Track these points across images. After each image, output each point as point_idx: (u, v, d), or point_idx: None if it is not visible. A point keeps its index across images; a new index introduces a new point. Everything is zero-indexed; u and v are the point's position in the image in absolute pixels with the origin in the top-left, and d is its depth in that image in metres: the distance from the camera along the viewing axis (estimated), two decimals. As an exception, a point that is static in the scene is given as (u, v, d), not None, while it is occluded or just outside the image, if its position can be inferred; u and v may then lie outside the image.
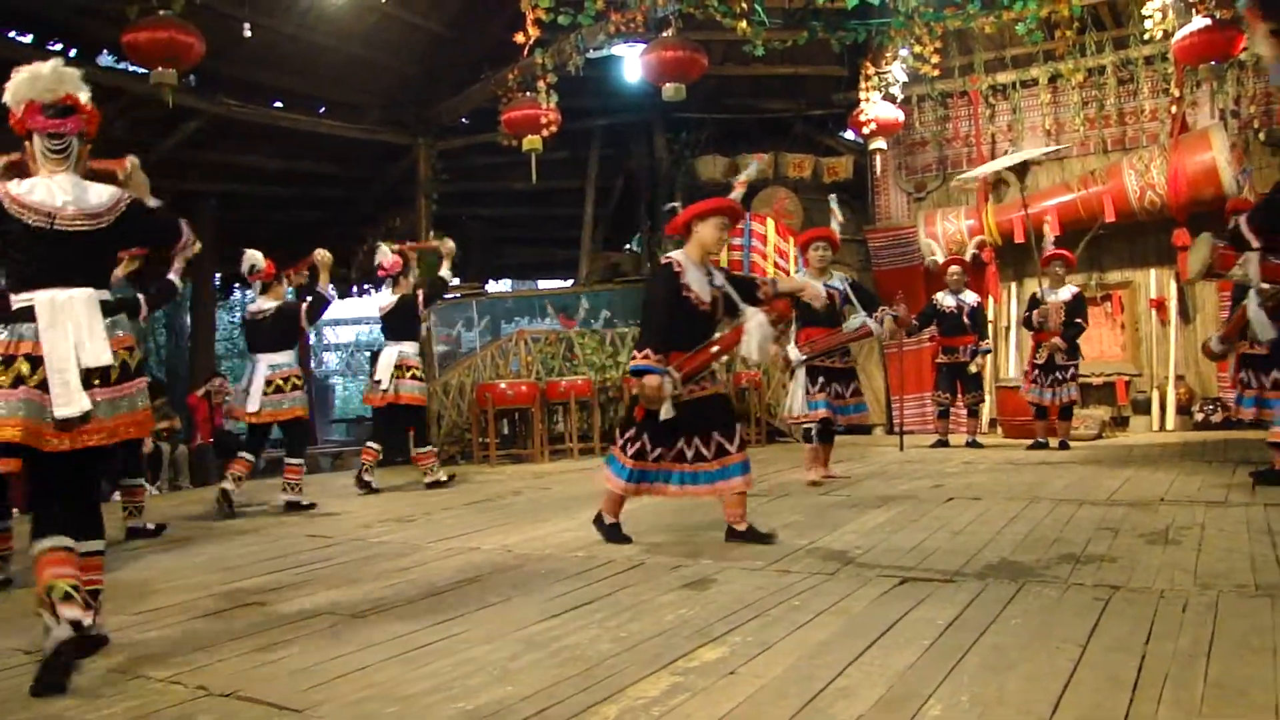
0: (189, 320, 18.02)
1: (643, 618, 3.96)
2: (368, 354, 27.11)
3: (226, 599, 4.70)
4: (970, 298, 11.09)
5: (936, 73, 11.60)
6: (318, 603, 4.54)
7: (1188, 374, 12.43)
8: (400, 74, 13.49)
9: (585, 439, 12.36)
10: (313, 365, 25.18)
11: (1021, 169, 11.82)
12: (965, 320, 10.96)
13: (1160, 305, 12.61)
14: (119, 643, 3.92)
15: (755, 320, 5.38)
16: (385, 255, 9.36)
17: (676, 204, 6.05)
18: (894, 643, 3.46)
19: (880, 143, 12.56)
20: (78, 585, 3.47)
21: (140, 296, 6.19)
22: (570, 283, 16.53)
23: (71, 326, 3.64)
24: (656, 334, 5.36)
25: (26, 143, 3.82)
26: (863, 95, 12.28)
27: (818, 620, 3.80)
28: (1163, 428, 12.26)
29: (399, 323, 9.46)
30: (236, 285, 19.22)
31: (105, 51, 11.47)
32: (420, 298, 9.35)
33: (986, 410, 12.43)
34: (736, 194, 5.93)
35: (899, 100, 12.67)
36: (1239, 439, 10.07)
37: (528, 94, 11.15)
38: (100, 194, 3.81)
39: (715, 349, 5.45)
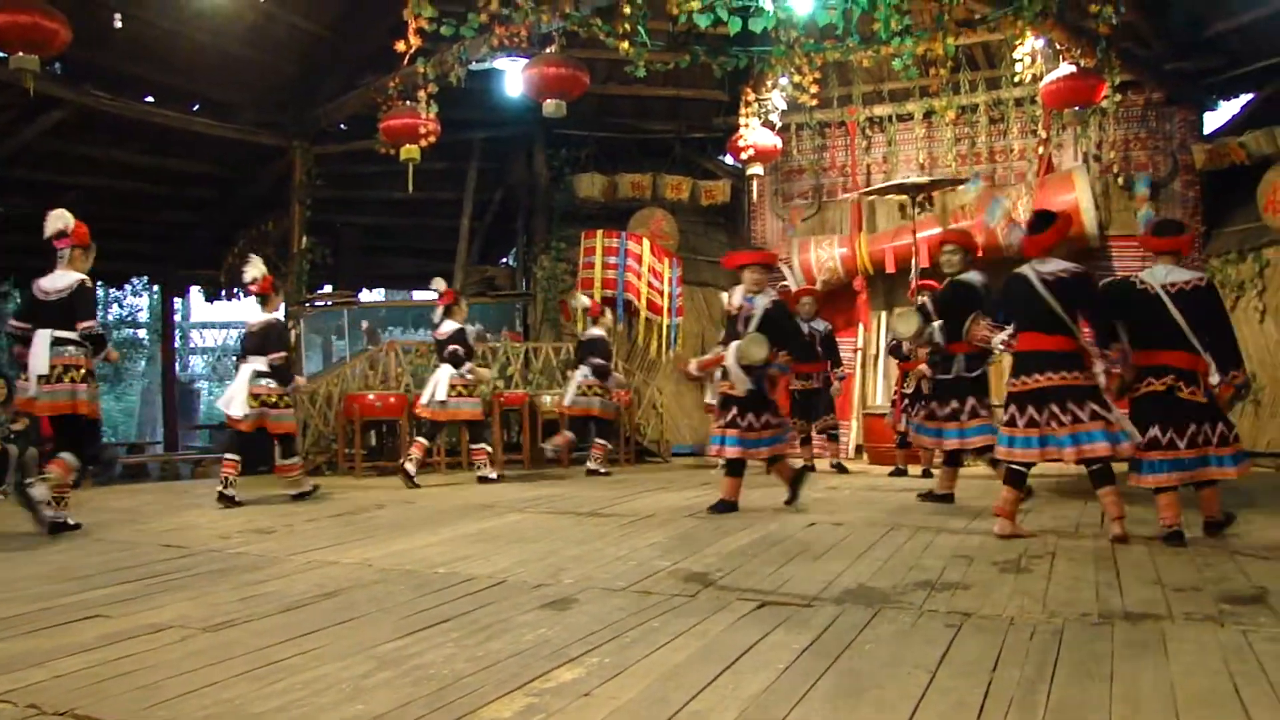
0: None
1: (500, 637, 3.93)
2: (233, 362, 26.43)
3: (70, 610, 4.51)
4: (821, 325, 11.18)
5: (815, 102, 11.78)
6: (167, 616, 4.39)
7: (1046, 407, 12.78)
8: (278, 75, 13.21)
9: (453, 453, 12.23)
10: (178, 369, 24.46)
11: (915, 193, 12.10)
12: (818, 348, 11.01)
13: (1022, 339, 12.95)
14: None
15: None
16: (257, 269, 9.27)
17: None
18: (750, 666, 3.48)
19: (758, 168, 12.71)
20: None
21: None
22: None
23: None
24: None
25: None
26: (742, 121, 12.41)
27: (675, 643, 3.81)
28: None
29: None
30: (99, 282, 18.63)
31: (-41, 33, 11.02)
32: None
33: (853, 436, 12.63)
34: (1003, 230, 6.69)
35: (777, 127, 12.85)
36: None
37: (408, 103, 11.02)
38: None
39: None
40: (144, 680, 3.43)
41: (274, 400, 8.94)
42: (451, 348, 10.42)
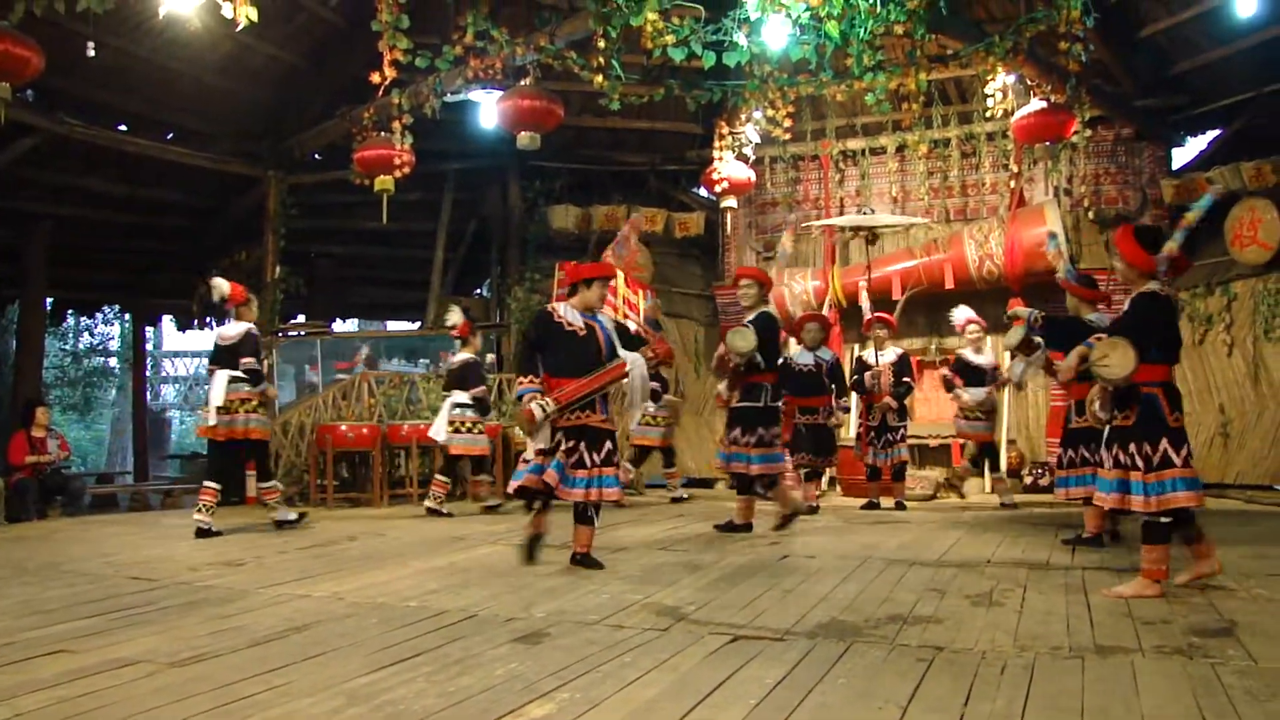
0: (14, 346, 17.23)
1: (471, 672, 3.90)
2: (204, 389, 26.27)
3: (33, 645, 4.45)
4: (827, 354, 10.40)
5: (788, 136, 11.87)
6: (135, 650, 4.34)
7: (1019, 438, 12.88)
8: (253, 104, 13.21)
9: (426, 484, 12.15)
10: (149, 398, 24.25)
11: (870, 234, 12.16)
12: (825, 379, 10.25)
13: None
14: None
15: None
16: (457, 316, 10.63)
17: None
18: (722, 701, 3.47)
19: (731, 201, 12.75)
20: None
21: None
22: (418, 325, 16.35)
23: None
24: None
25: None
26: (716, 154, 12.46)
27: (647, 677, 3.79)
28: (994, 490, 12.63)
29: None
30: (70, 311, 18.49)
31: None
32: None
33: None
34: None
35: (751, 160, 12.91)
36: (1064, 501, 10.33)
37: (382, 134, 11.03)
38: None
39: None
40: (109, 717, 3.38)
41: (469, 427, 10.44)
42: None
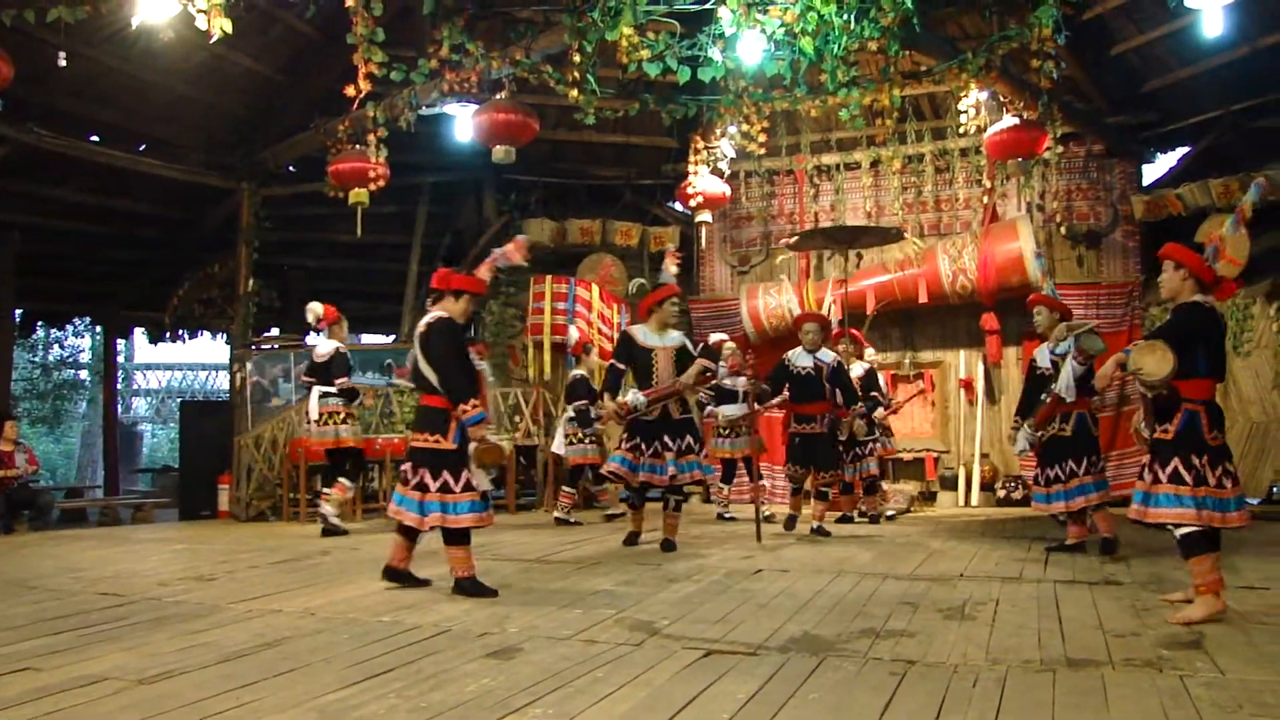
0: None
1: (444, 687, 3.88)
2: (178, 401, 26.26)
3: (-2, 661, 4.42)
4: (828, 357, 9.66)
5: (763, 151, 11.89)
6: (102, 667, 4.30)
7: (992, 452, 12.95)
8: (227, 116, 13.14)
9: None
10: (120, 411, 24.07)
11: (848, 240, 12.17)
12: (825, 384, 9.54)
13: (968, 385, 13.12)
14: None
15: None
16: (571, 335, 11.90)
17: None
18: (695, 717, 3.47)
19: (706, 215, 12.79)
20: None
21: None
22: (392, 338, 16.30)
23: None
24: None
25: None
26: (691, 168, 12.49)
27: (620, 693, 3.78)
28: (968, 503, 12.70)
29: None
30: (40, 323, 18.35)
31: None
32: None
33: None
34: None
35: (726, 175, 12.94)
36: (1036, 516, 10.26)
37: (357, 146, 11.01)
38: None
39: None
40: (75, 735, 3.35)
41: (578, 439, 11.17)
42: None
